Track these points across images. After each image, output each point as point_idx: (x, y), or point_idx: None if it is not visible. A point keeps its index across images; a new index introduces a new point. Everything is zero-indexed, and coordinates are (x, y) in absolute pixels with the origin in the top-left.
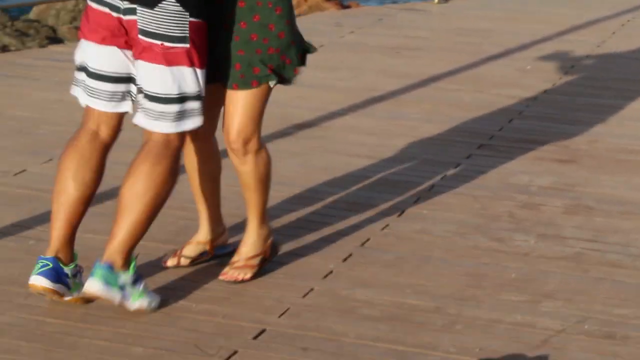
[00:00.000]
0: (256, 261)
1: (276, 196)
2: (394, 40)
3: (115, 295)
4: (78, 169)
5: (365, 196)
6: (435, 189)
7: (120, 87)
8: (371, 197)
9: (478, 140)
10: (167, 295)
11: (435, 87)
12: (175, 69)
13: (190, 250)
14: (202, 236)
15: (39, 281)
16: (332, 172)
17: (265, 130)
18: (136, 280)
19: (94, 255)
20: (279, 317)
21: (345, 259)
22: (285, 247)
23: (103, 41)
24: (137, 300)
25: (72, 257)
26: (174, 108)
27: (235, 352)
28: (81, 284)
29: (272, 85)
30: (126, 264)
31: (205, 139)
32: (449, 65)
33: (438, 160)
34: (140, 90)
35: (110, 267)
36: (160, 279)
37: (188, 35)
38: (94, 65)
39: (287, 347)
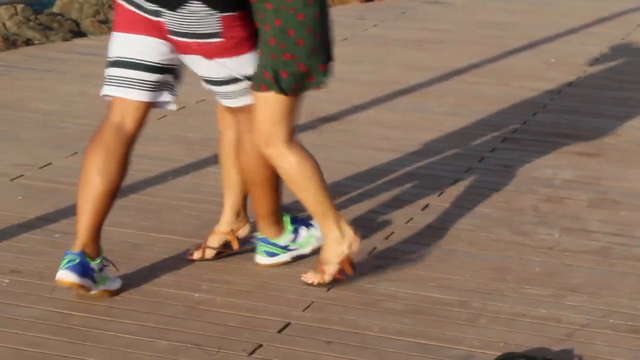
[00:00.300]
0: (329, 269)
1: None
2: (417, 33)
3: (282, 259)
4: (104, 163)
5: (389, 190)
6: (459, 182)
7: (153, 77)
8: (395, 191)
9: (502, 134)
10: (192, 289)
11: (458, 80)
12: (215, 60)
13: (214, 240)
14: (223, 227)
15: (66, 276)
16: (356, 166)
17: None
18: (296, 235)
19: (119, 249)
20: (303, 310)
21: (369, 253)
22: None
23: (130, 30)
24: (309, 246)
25: (98, 252)
26: (240, 86)
27: (260, 346)
28: (107, 278)
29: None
30: (281, 228)
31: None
32: (472, 58)
33: (462, 154)
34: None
35: (266, 240)
36: (185, 273)
37: (220, 30)
38: (120, 54)
39: (312, 341)
